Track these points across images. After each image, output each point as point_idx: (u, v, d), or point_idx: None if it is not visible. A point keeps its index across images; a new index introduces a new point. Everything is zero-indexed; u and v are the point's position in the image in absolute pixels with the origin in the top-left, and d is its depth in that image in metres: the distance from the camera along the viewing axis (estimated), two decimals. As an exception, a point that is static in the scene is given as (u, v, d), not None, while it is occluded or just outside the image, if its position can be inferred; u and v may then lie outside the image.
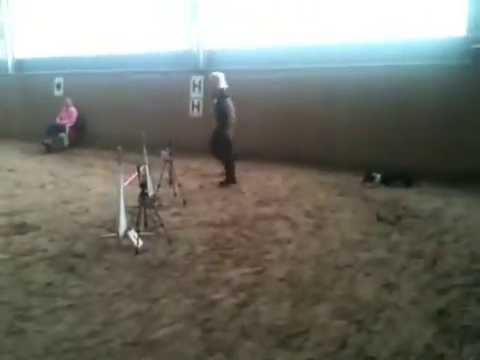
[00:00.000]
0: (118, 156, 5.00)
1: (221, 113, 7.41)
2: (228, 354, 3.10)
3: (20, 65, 13.73)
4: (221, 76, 7.58)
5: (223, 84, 7.51)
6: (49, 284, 4.15)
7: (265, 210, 6.30)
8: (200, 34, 10.67)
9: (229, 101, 7.44)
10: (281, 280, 4.19)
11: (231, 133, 7.58)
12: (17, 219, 5.93)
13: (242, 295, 3.91)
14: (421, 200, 6.74)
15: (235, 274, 4.32)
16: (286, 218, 5.93)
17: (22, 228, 5.63)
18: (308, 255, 4.76)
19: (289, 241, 5.15)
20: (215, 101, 7.53)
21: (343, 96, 8.99)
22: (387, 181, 7.59)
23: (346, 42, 9.06)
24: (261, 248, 4.96)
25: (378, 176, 7.62)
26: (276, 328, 3.39)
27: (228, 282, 4.16)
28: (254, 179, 8.16)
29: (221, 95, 7.44)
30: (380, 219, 5.85)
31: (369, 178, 7.62)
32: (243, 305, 3.75)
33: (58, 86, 12.64)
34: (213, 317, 3.57)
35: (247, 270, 4.41)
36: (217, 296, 3.90)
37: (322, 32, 9.32)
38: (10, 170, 8.90)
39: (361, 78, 8.78)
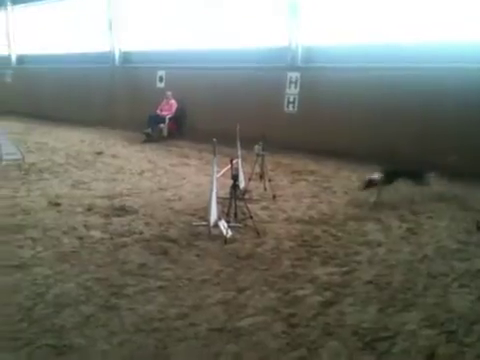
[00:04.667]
0: (213, 148, 5.15)
1: None
2: (311, 351, 3.09)
3: (126, 57, 14.52)
4: None
5: None
6: (143, 265, 4.39)
7: (356, 211, 6.15)
8: (299, 30, 10.61)
9: None
10: (369, 283, 4.08)
11: None
12: (117, 202, 6.32)
13: (328, 294, 3.87)
14: None
15: (321, 272, 4.28)
16: (378, 220, 5.74)
17: (121, 211, 6.00)
18: (399, 260, 4.58)
19: (380, 244, 4.99)
20: None
21: (448, 98, 8.47)
22: (391, 179, 6.33)
23: (450, 41, 8.53)
24: (350, 249, 4.85)
25: (376, 177, 6.37)
26: (361, 330, 3.32)
27: (314, 280, 4.13)
28: (345, 178, 7.99)
29: None
30: (480, 229, 5.47)
31: (369, 184, 6.40)
32: (328, 304, 3.70)
33: (160, 79, 13.20)
34: (297, 312, 3.57)
35: (334, 269, 4.35)
36: (302, 292, 3.89)
37: (423, 30, 8.85)
38: (113, 156, 9.49)
39: (470, 79, 8.22)
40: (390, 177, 6.37)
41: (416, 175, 6.43)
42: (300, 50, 10.63)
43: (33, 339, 3.22)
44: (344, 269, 4.35)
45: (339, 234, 5.27)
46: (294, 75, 10.63)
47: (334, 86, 9.85)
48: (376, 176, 6.41)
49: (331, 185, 7.45)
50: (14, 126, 13.09)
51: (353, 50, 9.78)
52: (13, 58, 18.08)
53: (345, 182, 7.71)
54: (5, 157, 8.56)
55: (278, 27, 10.88)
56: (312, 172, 8.28)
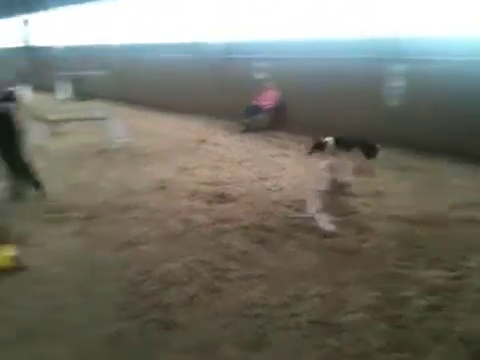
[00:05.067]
0: (313, 140, 5.11)
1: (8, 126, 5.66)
2: (416, 355, 2.98)
3: (226, 48, 14.75)
4: None
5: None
6: (244, 252, 4.48)
7: (464, 213, 5.75)
8: (405, 20, 10.11)
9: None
10: (481, 290, 3.83)
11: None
12: (219, 189, 6.48)
13: (434, 298, 3.69)
14: None
15: (427, 275, 4.08)
16: (490, 224, 5.35)
17: (222, 198, 6.15)
18: (517, 269, 4.25)
19: (493, 250, 4.66)
20: None
21: None
22: (345, 146, 5.96)
23: None
24: (458, 253, 4.57)
25: (330, 141, 5.93)
26: (472, 339, 3.13)
27: (419, 282, 3.95)
28: (456, 176, 7.48)
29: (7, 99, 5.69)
30: None
31: (318, 146, 5.99)
32: (435, 308, 3.53)
33: (260, 69, 13.27)
34: (401, 314, 3.45)
35: (441, 273, 4.12)
36: (406, 294, 3.75)
37: None
38: (215, 144, 9.72)
39: None
40: (342, 144, 5.96)
41: (367, 147, 6.05)
42: (406, 41, 10.15)
43: (143, 313, 3.44)
44: (452, 274, 4.11)
45: (447, 236, 4.99)
46: (399, 67, 10.19)
47: (441, 79, 9.30)
48: (328, 139, 5.96)
49: (438, 184, 7.04)
50: (122, 112, 13.87)
51: (462, 42, 9.14)
52: (122, 46, 19.10)
53: (455, 181, 7.23)
54: (115, 141, 9.12)
55: (383, 17, 10.46)
56: (418, 169, 7.89)
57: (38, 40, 23.40)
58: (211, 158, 8.43)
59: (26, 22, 23.36)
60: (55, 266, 4.28)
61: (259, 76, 12.74)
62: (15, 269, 4.16)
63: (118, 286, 3.86)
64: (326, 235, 4.91)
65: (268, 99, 12.12)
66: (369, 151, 6.08)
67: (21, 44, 23.88)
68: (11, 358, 3.04)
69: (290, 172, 7.49)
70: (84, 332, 3.27)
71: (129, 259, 4.40)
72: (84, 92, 17.49)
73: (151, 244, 4.72)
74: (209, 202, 5.96)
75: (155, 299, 3.61)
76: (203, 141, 9.93)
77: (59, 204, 5.86)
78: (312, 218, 5.18)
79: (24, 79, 18.78)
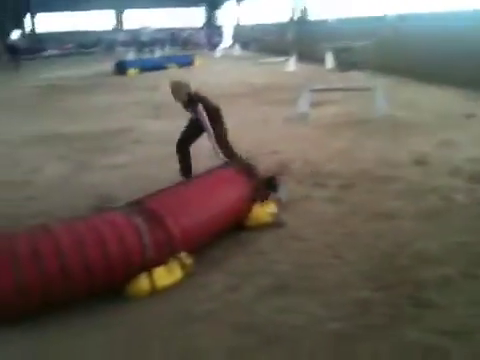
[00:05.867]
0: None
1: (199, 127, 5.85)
2: None
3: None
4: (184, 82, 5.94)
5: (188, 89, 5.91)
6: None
7: None
8: None
9: (201, 108, 5.72)
10: None
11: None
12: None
13: None
14: None
15: None
16: None
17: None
18: None
19: None
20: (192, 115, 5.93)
21: None
22: None
23: None
24: None
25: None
26: None
27: None
28: None
29: (191, 102, 5.82)
30: None
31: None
32: None
33: None
34: None
35: None
36: None
37: None
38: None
39: None
40: None
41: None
42: None
43: (394, 285, 3.43)
44: None
45: None
46: None
47: None
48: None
49: None
50: (383, 82, 13.32)
51: None
52: (389, 17, 18.60)
53: None
54: (376, 111, 9.02)
55: None
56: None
57: (311, 13, 24.75)
58: (478, 134, 7.60)
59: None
60: (310, 226, 4.58)
61: None
62: (274, 225, 4.59)
63: (368, 255, 3.93)
64: None
65: None
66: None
67: (292, 18, 25.56)
68: (268, 307, 3.32)
69: None
70: (335, 292, 3.43)
71: (382, 231, 4.40)
72: (349, 62, 17.71)
73: (406, 219, 4.62)
74: (473, 181, 5.45)
75: (408, 274, 3.56)
76: (471, 115, 8.94)
77: (318, 170, 6.18)
78: None
79: (291, 50, 20.21)
